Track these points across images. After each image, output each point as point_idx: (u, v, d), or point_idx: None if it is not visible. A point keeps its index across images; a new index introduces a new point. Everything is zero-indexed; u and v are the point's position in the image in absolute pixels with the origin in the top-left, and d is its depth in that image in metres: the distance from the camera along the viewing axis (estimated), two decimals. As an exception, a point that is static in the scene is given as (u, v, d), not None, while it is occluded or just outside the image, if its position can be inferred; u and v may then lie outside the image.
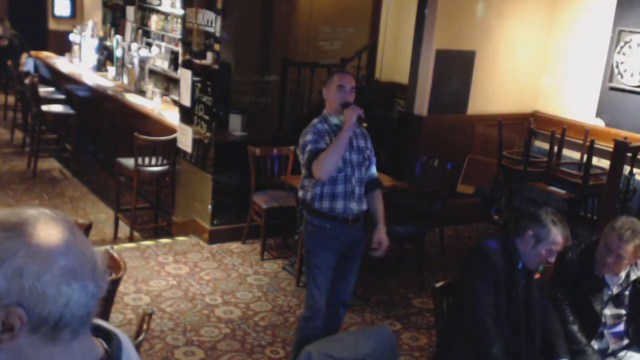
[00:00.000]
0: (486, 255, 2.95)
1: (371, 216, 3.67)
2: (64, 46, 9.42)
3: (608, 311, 3.16)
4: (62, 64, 8.69)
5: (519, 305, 2.96)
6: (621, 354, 3.20)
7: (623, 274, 3.13)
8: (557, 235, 2.88)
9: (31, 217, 0.97)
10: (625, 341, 3.21)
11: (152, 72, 7.85)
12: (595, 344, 3.14)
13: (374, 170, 3.66)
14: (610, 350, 3.18)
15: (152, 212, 6.26)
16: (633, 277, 3.14)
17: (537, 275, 3.01)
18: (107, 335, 1.08)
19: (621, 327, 3.20)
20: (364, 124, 3.47)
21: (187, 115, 5.74)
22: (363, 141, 3.59)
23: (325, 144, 3.41)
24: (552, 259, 2.96)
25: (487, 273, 2.92)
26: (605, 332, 3.18)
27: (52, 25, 11.49)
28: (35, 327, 0.94)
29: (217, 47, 5.35)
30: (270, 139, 5.75)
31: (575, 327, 3.11)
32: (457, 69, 6.48)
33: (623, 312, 3.18)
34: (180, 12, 7.38)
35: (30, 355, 0.97)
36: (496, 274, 2.92)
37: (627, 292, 3.16)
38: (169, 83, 7.83)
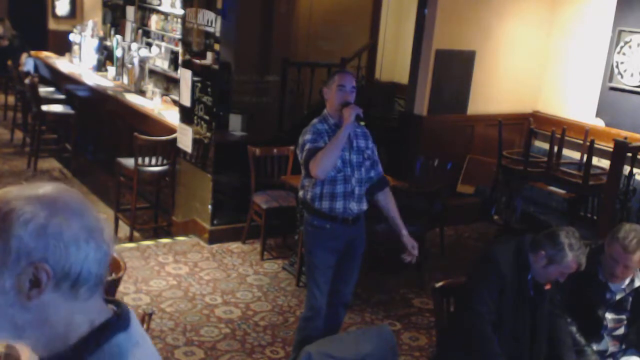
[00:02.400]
0: (496, 264, 2.90)
1: (387, 218, 3.65)
2: (64, 46, 9.42)
3: (610, 315, 3.14)
4: (62, 64, 8.69)
5: (525, 315, 2.94)
6: (619, 355, 3.19)
7: (627, 280, 3.10)
8: (572, 261, 2.81)
9: (46, 188, 1.07)
10: (625, 344, 3.20)
11: (152, 72, 7.85)
12: (594, 346, 3.13)
13: (380, 169, 3.65)
14: (609, 353, 3.17)
15: (152, 212, 6.26)
16: (638, 283, 3.11)
17: (547, 287, 2.96)
18: (116, 303, 1.17)
19: (621, 331, 3.19)
20: (362, 123, 3.46)
21: (187, 115, 5.74)
22: (363, 141, 3.58)
23: (324, 143, 3.41)
24: (562, 280, 2.91)
25: (494, 281, 2.89)
26: (605, 335, 3.16)
27: (52, 25, 11.48)
28: (58, 282, 1.03)
29: (217, 47, 5.35)
30: (270, 139, 5.75)
31: (573, 328, 3.10)
32: (457, 69, 6.48)
33: (624, 316, 3.16)
34: (180, 12, 7.38)
35: (52, 314, 1.05)
36: (503, 283, 2.89)
37: (630, 298, 3.13)
38: (169, 83, 7.83)
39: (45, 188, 1.07)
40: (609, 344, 3.17)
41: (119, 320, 1.12)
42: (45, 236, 1.01)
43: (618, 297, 3.11)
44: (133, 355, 1.10)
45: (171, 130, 5.95)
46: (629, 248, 2.93)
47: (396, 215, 3.63)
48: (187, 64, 5.74)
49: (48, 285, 1.02)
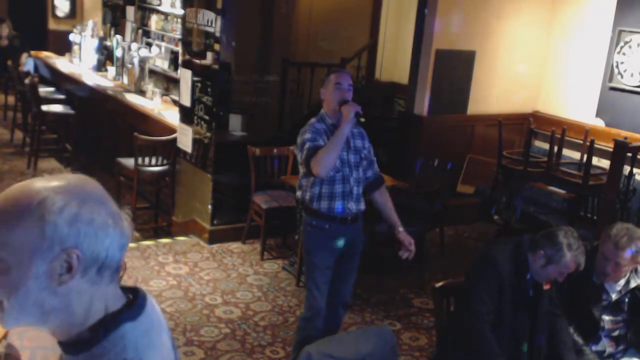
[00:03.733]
0: (494, 264, 2.90)
1: (384, 217, 3.66)
2: (64, 46, 9.42)
3: (607, 317, 3.14)
4: (62, 64, 8.69)
5: (525, 315, 2.94)
6: (618, 356, 3.19)
7: (622, 281, 3.10)
8: (570, 261, 2.82)
9: (72, 177, 1.13)
10: (623, 345, 3.20)
11: (152, 72, 7.85)
12: (592, 347, 3.13)
13: (376, 168, 3.66)
14: (607, 354, 3.17)
15: (152, 212, 6.26)
16: (633, 284, 3.10)
17: (546, 287, 2.96)
18: (134, 291, 1.21)
19: (619, 332, 3.19)
20: (362, 119, 3.46)
21: (187, 115, 5.74)
22: (360, 141, 3.59)
23: (323, 142, 3.41)
24: (561, 279, 2.92)
25: (492, 281, 2.89)
26: (603, 336, 3.16)
27: (52, 25, 11.48)
28: (87, 267, 1.08)
29: (217, 47, 5.35)
30: (270, 139, 5.75)
31: (571, 329, 3.10)
32: (457, 69, 6.48)
33: (621, 317, 3.15)
34: (180, 12, 7.38)
35: (76, 299, 1.09)
36: (502, 283, 2.89)
37: (626, 299, 3.13)
38: (169, 83, 7.83)
39: (70, 178, 1.12)
40: (606, 346, 3.16)
41: (129, 309, 1.15)
42: (78, 223, 1.06)
43: (614, 298, 3.11)
44: (137, 346, 1.13)
45: (171, 130, 5.95)
46: (619, 245, 2.94)
47: (392, 212, 3.64)
48: (187, 64, 5.74)
49: (78, 270, 1.07)
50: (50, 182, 1.09)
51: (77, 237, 1.06)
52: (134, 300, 1.18)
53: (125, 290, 1.20)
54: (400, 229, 3.60)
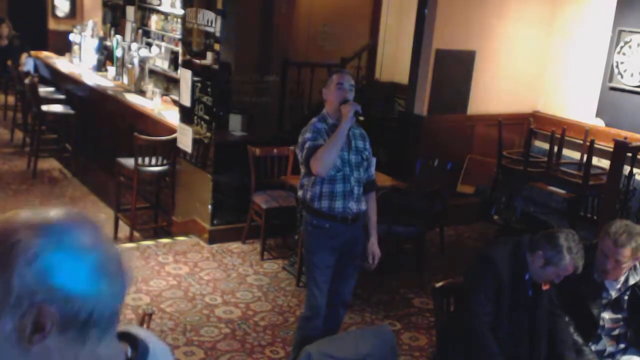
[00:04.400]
0: (492, 264, 2.90)
1: (365, 220, 3.69)
2: (64, 46, 9.42)
3: (607, 315, 3.14)
4: (62, 64, 8.68)
5: (524, 315, 2.94)
6: (618, 356, 3.19)
7: (622, 278, 3.10)
8: (568, 264, 2.82)
9: (58, 216, 0.97)
10: (623, 344, 3.20)
11: (152, 72, 7.85)
12: (592, 346, 3.13)
13: (372, 171, 3.68)
14: (607, 353, 3.17)
15: (152, 212, 6.26)
16: (632, 281, 3.11)
17: (545, 287, 2.95)
18: (134, 342, 1.06)
19: (619, 331, 3.18)
20: (361, 118, 3.47)
21: (187, 115, 5.74)
22: (362, 142, 3.60)
23: (323, 141, 3.42)
24: (557, 281, 2.92)
25: (490, 282, 2.89)
26: (603, 335, 3.16)
27: (52, 25, 11.48)
28: (65, 326, 0.92)
29: (217, 47, 5.35)
30: (270, 139, 5.75)
31: (571, 328, 3.10)
32: (457, 69, 6.48)
33: (621, 316, 3.15)
34: (180, 12, 7.38)
35: (56, 358, 0.94)
36: (500, 283, 2.89)
37: (626, 297, 3.13)
38: (169, 83, 7.83)
39: (59, 216, 0.96)
40: (606, 344, 3.16)
41: None
42: (50, 276, 0.91)
43: (614, 296, 3.11)
44: None
45: (171, 130, 5.95)
46: (619, 242, 2.94)
47: (374, 220, 3.70)
48: (187, 64, 5.74)
49: (52, 330, 0.91)
50: (35, 218, 0.94)
51: (50, 291, 0.90)
52: (133, 358, 1.03)
53: (126, 336, 1.05)
54: (374, 239, 3.68)
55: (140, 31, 8.53)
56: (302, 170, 3.55)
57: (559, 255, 2.81)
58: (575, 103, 6.71)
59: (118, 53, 8.01)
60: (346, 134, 3.42)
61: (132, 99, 6.93)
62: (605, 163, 5.65)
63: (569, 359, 2.99)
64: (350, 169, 3.51)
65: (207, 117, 5.49)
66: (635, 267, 3.10)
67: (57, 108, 7.67)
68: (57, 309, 0.91)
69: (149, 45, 8.29)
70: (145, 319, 2.44)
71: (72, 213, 0.98)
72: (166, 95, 7.17)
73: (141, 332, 1.09)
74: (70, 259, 0.92)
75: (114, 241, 5.70)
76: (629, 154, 4.88)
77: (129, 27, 8.74)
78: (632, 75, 6.14)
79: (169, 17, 8.09)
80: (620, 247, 2.94)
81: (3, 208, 5.40)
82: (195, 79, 5.60)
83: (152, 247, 5.49)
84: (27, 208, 0.99)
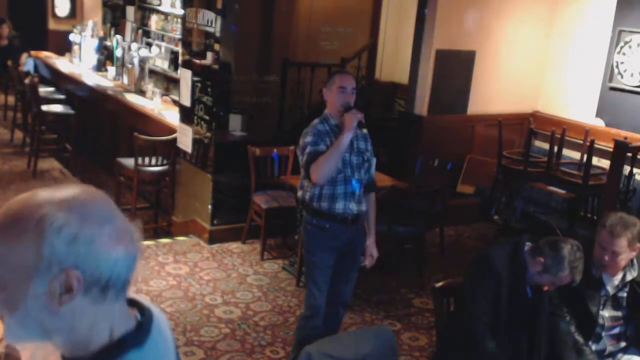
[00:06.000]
0: (491, 264, 2.90)
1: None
2: (64, 46, 9.42)
3: (606, 313, 3.14)
4: (62, 64, 8.68)
5: (524, 316, 2.93)
6: (619, 355, 3.19)
7: (620, 275, 3.11)
8: (566, 277, 2.82)
9: (75, 192, 1.09)
10: (623, 343, 3.20)
11: (152, 72, 7.85)
12: (592, 346, 3.12)
13: (372, 171, 3.68)
14: (607, 352, 3.17)
15: (152, 212, 6.26)
16: (629, 277, 3.11)
17: (545, 287, 2.95)
18: (141, 308, 1.18)
19: (619, 329, 3.18)
20: (364, 130, 3.50)
21: (187, 115, 5.74)
22: (363, 143, 3.59)
23: (325, 145, 3.41)
24: (552, 288, 2.93)
25: (489, 282, 2.88)
26: (603, 334, 3.16)
27: (52, 25, 11.48)
28: (88, 287, 1.04)
29: (217, 47, 5.35)
30: (270, 139, 5.75)
31: (572, 327, 3.10)
32: (457, 69, 6.48)
33: (621, 313, 3.15)
34: (180, 12, 7.38)
35: (79, 318, 1.06)
36: (499, 284, 2.88)
37: (624, 294, 3.14)
38: (169, 83, 7.83)
39: (75, 192, 1.08)
40: (607, 344, 3.16)
41: (135, 334, 1.13)
42: (77, 243, 1.03)
43: (611, 292, 3.11)
44: None
45: (171, 130, 5.95)
46: (614, 233, 2.95)
47: (372, 221, 3.71)
48: (187, 64, 5.74)
49: (79, 291, 1.04)
50: (55, 195, 1.06)
51: (76, 257, 1.03)
52: (141, 324, 1.15)
53: (133, 303, 1.18)
54: (372, 239, 3.69)
55: (140, 31, 8.53)
56: (303, 172, 3.55)
57: (559, 266, 2.81)
58: (575, 103, 6.71)
59: (118, 53, 8.01)
60: (347, 145, 3.42)
61: (132, 99, 6.93)
62: (605, 163, 5.65)
63: (568, 359, 2.99)
64: (351, 170, 3.50)
65: (207, 117, 5.49)
66: (632, 263, 3.11)
67: (57, 108, 7.67)
68: (83, 272, 1.03)
69: (149, 45, 8.29)
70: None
71: (86, 189, 1.11)
72: (166, 95, 7.17)
73: (145, 301, 1.22)
74: (91, 228, 1.04)
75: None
76: (629, 154, 4.88)
77: (129, 27, 8.74)
78: (632, 75, 6.14)
79: (169, 17, 8.09)
80: (616, 238, 2.95)
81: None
82: (195, 79, 5.60)
83: (152, 247, 5.50)
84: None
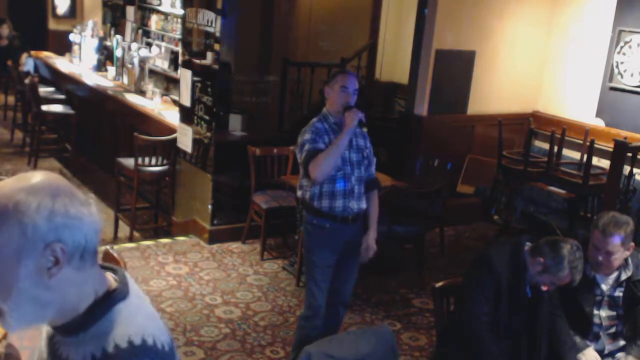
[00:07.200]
0: (491, 265, 2.90)
1: (365, 217, 3.68)
2: (64, 46, 9.42)
3: (603, 313, 3.14)
4: (62, 64, 8.68)
5: (524, 316, 2.93)
6: (618, 355, 3.19)
7: (614, 275, 3.11)
8: (566, 276, 2.83)
9: (37, 175, 1.19)
10: (622, 342, 3.20)
11: (152, 72, 7.85)
12: (591, 346, 3.13)
13: (373, 170, 3.67)
14: (606, 352, 3.17)
15: (152, 212, 6.26)
16: (624, 277, 3.12)
17: (545, 287, 2.95)
18: (112, 269, 1.30)
19: (616, 328, 3.19)
20: (365, 129, 3.49)
21: (187, 115, 5.74)
22: (362, 140, 3.59)
23: (323, 143, 3.41)
24: (551, 288, 2.93)
25: (488, 283, 2.89)
26: (601, 333, 3.16)
27: (52, 25, 11.48)
28: (71, 256, 1.16)
29: (217, 47, 5.35)
30: (270, 139, 5.75)
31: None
32: (457, 69, 6.48)
33: (617, 313, 3.16)
34: (180, 12, 7.38)
35: (68, 287, 1.17)
36: (499, 284, 2.89)
37: (620, 293, 3.14)
38: (169, 83, 7.83)
39: (34, 177, 1.18)
40: (605, 343, 3.16)
41: (119, 290, 1.24)
42: (54, 217, 1.13)
43: (606, 292, 3.12)
44: (135, 321, 1.22)
45: (171, 130, 5.95)
46: (607, 232, 2.96)
47: (374, 218, 3.67)
48: (187, 64, 5.74)
49: (65, 261, 1.15)
50: (18, 184, 1.15)
51: (56, 231, 1.13)
52: (120, 282, 1.26)
53: (105, 269, 1.28)
54: (372, 234, 3.64)
55: (140, 31, 8.53)
56: (302, 171, 3.54)
57: (559, 266, 2.81)
58: (575, 103, 6.70)
59: (118, 53, 8.01)
60: (347, 143, 3.42)
61: (132, 99, 6.93)
62: (605, 163, 5.65)
63: (568, 359, 2.99)
64: (351, 167, 3.50)
65: (207, 117, 5.49)
66: (627, 263, 3.11)
67: (57, 108, 7.67)
68: (65, 243, 1.14)
69: (149, 45, 8.29)
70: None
71: (40, 172, 1.20)
72: (166, 95, 7.17)
73: (109, 264, 1.33)
74: (62, 200, 1.15)
75: (114, 241, 5.71)
76: (629, 154, 4.88)
77: (129, 27, 8.74)
78: (632, 75, 6.14)
79: (169, 17, 8.09)
80: (609, 237, 2.96)
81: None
82: (195, 79, 5.60)
83: (152, 247, 5.50)
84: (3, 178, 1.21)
